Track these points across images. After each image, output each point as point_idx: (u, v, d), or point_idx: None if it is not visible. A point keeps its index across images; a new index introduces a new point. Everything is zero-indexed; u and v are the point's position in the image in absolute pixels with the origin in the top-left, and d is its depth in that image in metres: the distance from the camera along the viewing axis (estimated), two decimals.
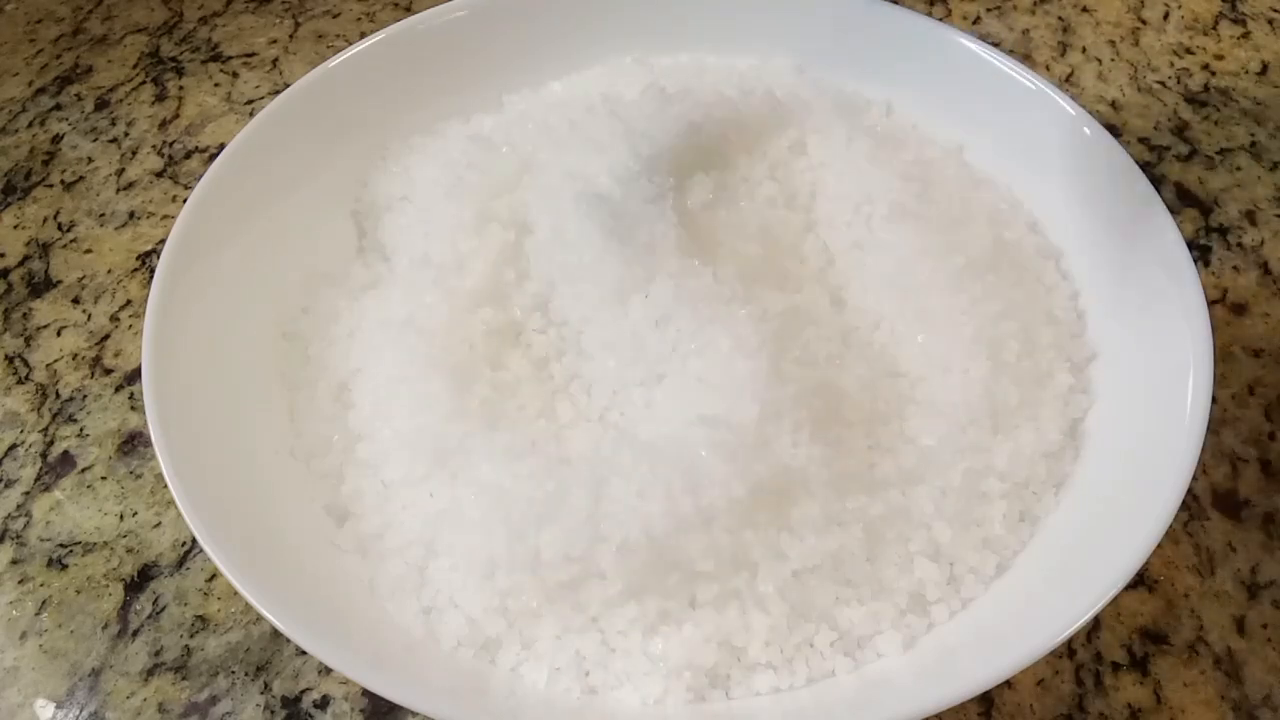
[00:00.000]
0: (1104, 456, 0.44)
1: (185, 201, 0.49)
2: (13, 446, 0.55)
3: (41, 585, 0.50)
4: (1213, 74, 0.73)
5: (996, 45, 0.62)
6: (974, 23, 0.77)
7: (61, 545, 0.52)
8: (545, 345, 0.47)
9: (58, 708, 0.47)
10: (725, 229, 0.49)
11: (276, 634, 0.47)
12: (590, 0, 0.60)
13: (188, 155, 0.69)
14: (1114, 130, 0.68)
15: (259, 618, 0.48)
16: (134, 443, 0.55)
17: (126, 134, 0.71)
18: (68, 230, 0.65)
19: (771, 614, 0.40)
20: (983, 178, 0.55)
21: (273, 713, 0.46)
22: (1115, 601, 0.46)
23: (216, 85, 0.74)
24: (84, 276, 0.63)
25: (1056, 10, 0.78)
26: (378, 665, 0.38)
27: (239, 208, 0.50)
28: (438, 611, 0.42)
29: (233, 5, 0.80)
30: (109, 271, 0.63)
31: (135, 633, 0.49)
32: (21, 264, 0.64)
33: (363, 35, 0.60)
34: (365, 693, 0.46)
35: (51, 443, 0.55)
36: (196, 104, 0.72)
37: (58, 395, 0.57)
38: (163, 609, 0.49)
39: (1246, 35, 0.75)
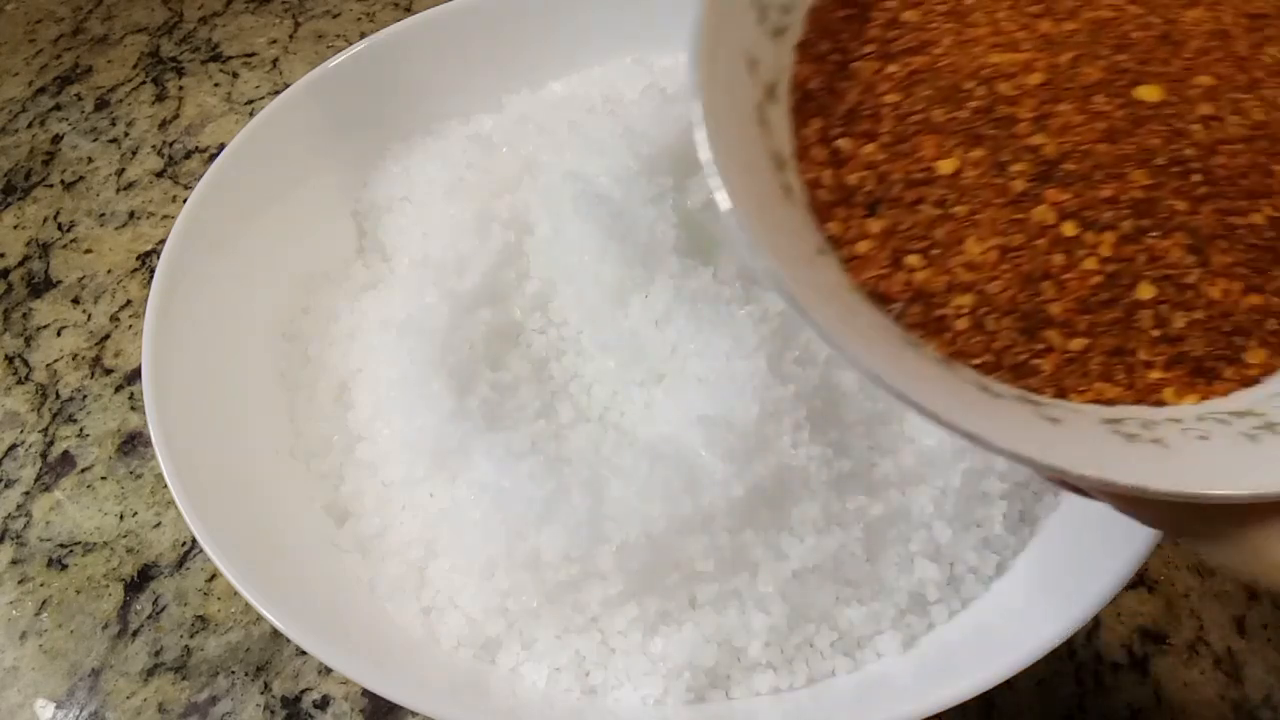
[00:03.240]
0: None
1: (185, 201, 0.49)
2: (13, 446, 0.55)
3: (41, 585, 0.50)
4: None
5: None
6: None
7: (61, 545, 0.52)
8: (545, 345, 0.47)
9: (58, 708, 0.47)
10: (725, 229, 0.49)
11: (276, 634, 0.48)
12: (590, 0, 0.60)
13: (188, 155, 0.69)
14: None
15: (259, 618, 0.48)
16: (134, 443, 0.55)
17: (126, 134, 0.71)
18: (68, 230, 0.65)
19: (771, 614, 0.40)
20: None
21: (273, 713, 0.46)
22: (1115, 601, 0.46)
23: (216, 85, 0.74)
24: (84, 276, 0.63)
25: None
26: (378, 665, 0.38)
27: (239, 208, 0.50)
28: (438, 611, 0.42)
29: (233, 5, 0.80)
30: (109, 271, 0.63)
31: (135, 633, 0.49)
32: (21, 264, 0.64)
33: (363, 35, 0.60)
34: (365, 693, 0.46)
35: (51, 443, 0.55)
36: (196, 104, 0.73)
37: (58, 395, 0.57)
38: (163, 609, 0.49)
39: None
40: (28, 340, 0.60)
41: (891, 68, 0.35)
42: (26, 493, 0.54)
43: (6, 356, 0.59)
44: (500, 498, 0.41)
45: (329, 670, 0.47)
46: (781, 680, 0.40)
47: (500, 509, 0.41)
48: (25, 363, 0.59)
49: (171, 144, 0.70)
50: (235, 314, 0.48)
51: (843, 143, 0.34)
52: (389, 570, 0.43)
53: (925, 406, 0.26)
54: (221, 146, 0.56)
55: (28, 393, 0.58)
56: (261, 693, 0.46)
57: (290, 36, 0.77)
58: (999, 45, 0.33)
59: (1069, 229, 0.30)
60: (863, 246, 0.32)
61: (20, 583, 0.50)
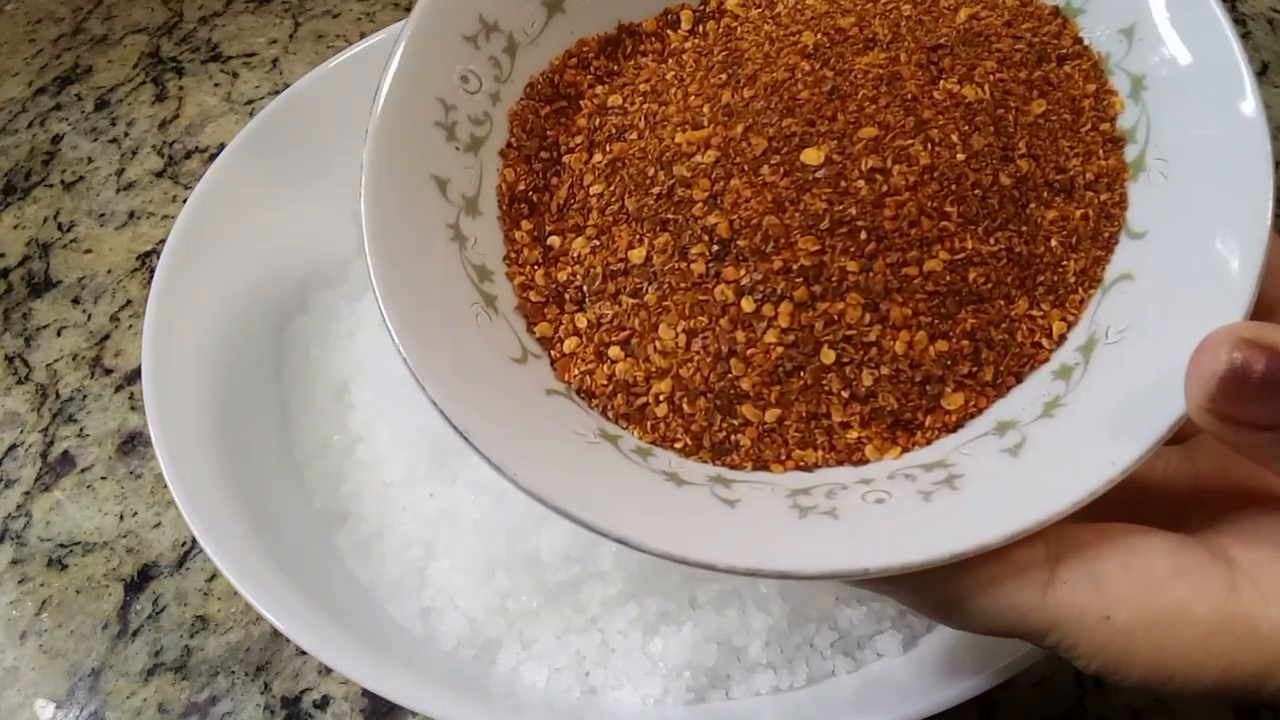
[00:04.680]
0: None
1: (185, 201, 0.49)
2: (13, 446, 0.55)
3: (41, 585, 0.50)
4: None
5: None
6: None
7: (61, 545, 0.52)
8: None
9: (58, 708, 0.47)
10: None
11: (276, 634, 0.48)
12: None
13: (188, 155, 0.69)
14: None
15: (259, 618, 0.48)
16: (134, 443, 0.55)
17: (126, 134, 0.71)
18: (68, 230, 0.65)
19: (771, 614, 0.40)
20: None
21: (273, 713, 0.46)
22: None
23: (216, 85, 0.74)
24: (84, 276, 0.63)
25: None
26: (378, 665, 0.38)
27: (239, 208, 0.50)
28: (437, 612, 0.42)
29: (233, 5, 0.80)
30: (109, 271, 0.63)
31: (135, 633, 0.49)
32: (21, 264, 0.64)
33: (363, 35, 0.60)
34: (365, 693, 0.46)
35: (51, 443, 0.55)
36: (196, 104, 0.72)
37: (58, 395, 0.57)
38: (163, 609, 0.49)
39: (1247, 35, 0.75)
40: (28, 340, 0.60)
41: (597, 157, 0.35)
42: (26, 493, 0.54)
43: (6, 356, 0.59)
44: (500, 498, 0.41)
45: (329, 670, 0.47)
46: (781, 680, 0.40)
47: (500, 509, 0.41)
48: (25, 363, 0.59)
49: (171, 144, 0.70)
50: (235, 314, 0.48)
51: (554, 239, 0.34)
52: (389, 570, 0.43)
53: (577, 516, 0.27)
54: (221, 146, 0.56)
55: (28, 393, 0.58)
56: (261, 693, 0.46)
57: (290, 36, 0.77)
58: (685, 123, 0.33)
59: (747, 305, 0.30)
60: (570, 344, 0.33)
61: (20, 583, 0.50)
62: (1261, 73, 0.73)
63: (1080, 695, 0.46)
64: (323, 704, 0.46)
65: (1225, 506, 0.29)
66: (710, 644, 0.40)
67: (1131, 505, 0.27)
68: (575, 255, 0.34)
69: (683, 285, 0.31)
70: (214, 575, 0.50)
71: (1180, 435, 0.32)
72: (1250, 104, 0.29)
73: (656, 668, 0.40)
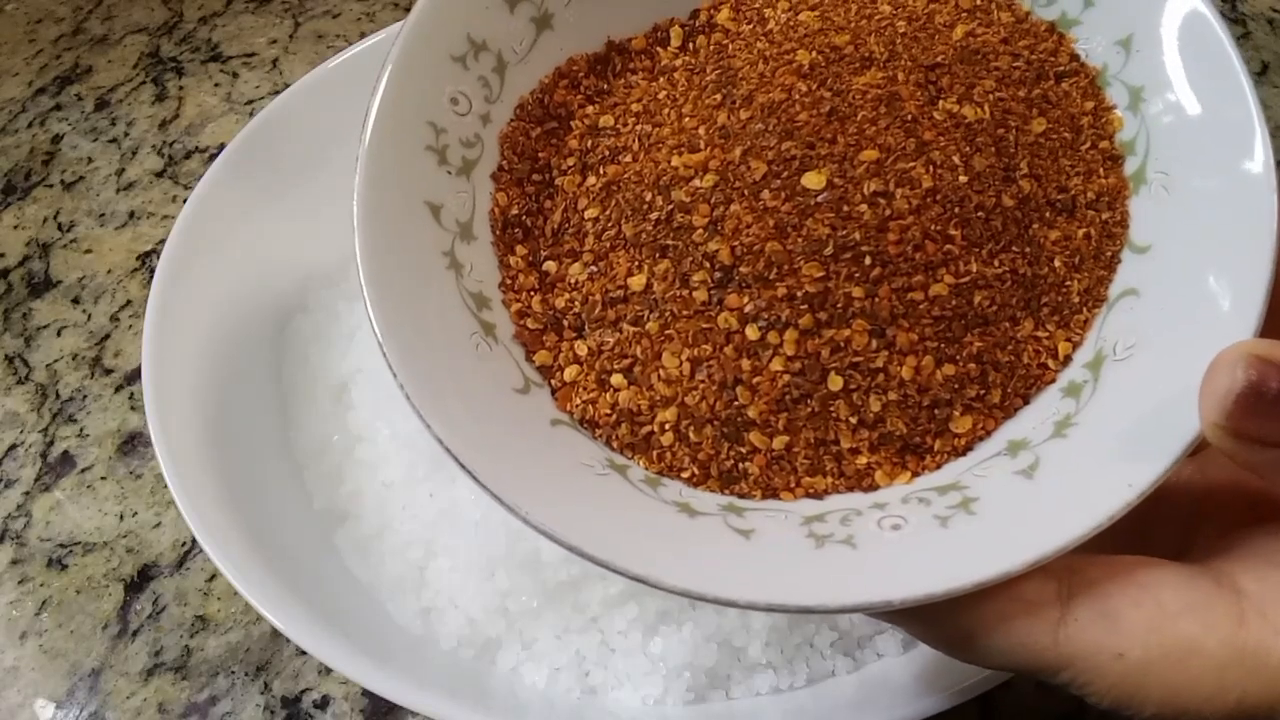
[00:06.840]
0: None
1: (185, 201, 0.49)
2: (13, 446, 0.55)
3: (41, 585, 0.50)
4: None
5: None
6: None
7: (61, 545, 0.52)
8: None
9: (58, 708, 0.47)
10: None
11: (276, 634, 0.48)
12: None
13: (188, 155, 0.69)
14: None
15: (259, 618, 0.48)
16: (134, 443, 0.55)
17: (126, 134, 0.71)
18: (68, 230, 0.65)
19: (771, 614, 0.40)
20: None
21: (273, 713, 0.46)
22: None
23: (216, 85, 0.74)
24: (84, 276, 0.63)
25: None
26: (378, 665, 0.38)
27: (239, 208, 0.50)
28: (437, 612, 0.42)
29: (233, 5, 0.80)
30: (109, 271, 0.63)
31: (135, 633, 0.49)
32: (21, 264, 0.64)
33: (363, 35, 0.60)
34: (365, 693, 0.46)
35: (51, 443, 0.55)
36: (196, 104, 0.72)
37: (58, 395, 0.57)
38: (163, 609, 0.49)
39: (1247, 35, 0.75)
40: (28, 340, 0.60)
41: (590, 180, 0.34)
42: (26, 493, 0.54)
43: (6, 356, 0.59)
44: None
45: (329, 670, 0.47)
46: (781, 680, 0.40)
47: (500, 509, 0.41)
48: (25, 363, 0.59)
49: (171, 144, 0.70)
50: (235, 314, 0.48)
51: (550, 265, 0.34)
52: (389, 570, 0.43)
53: (593, 555, 0.26)
54: (221, 146, 0.56)
55: (28, 393, 0.58)
56: (261, 693, 0.46)
57: (290, 36, 0.77)
58: (680, 146, 0.32)
59: (752, 332, 0.30)
60: (571, 372, 0.32)
61: (20, 583, 0.50)
62: (1261, 73, 0.73)
63: (1080, 695, 0.45)
64: (323, 704, 0.46)
65: (1237, 519, 0.29)
66: (710, 644, 0.40)
67: (1144, 515, 0.27)
68: (572, 281, 0.33)
69: (685, 313, 0.31)
70: (214, 575, 0.50)
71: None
72: (1257, 136, 0.29)
73: (656, 668, 0.40)
